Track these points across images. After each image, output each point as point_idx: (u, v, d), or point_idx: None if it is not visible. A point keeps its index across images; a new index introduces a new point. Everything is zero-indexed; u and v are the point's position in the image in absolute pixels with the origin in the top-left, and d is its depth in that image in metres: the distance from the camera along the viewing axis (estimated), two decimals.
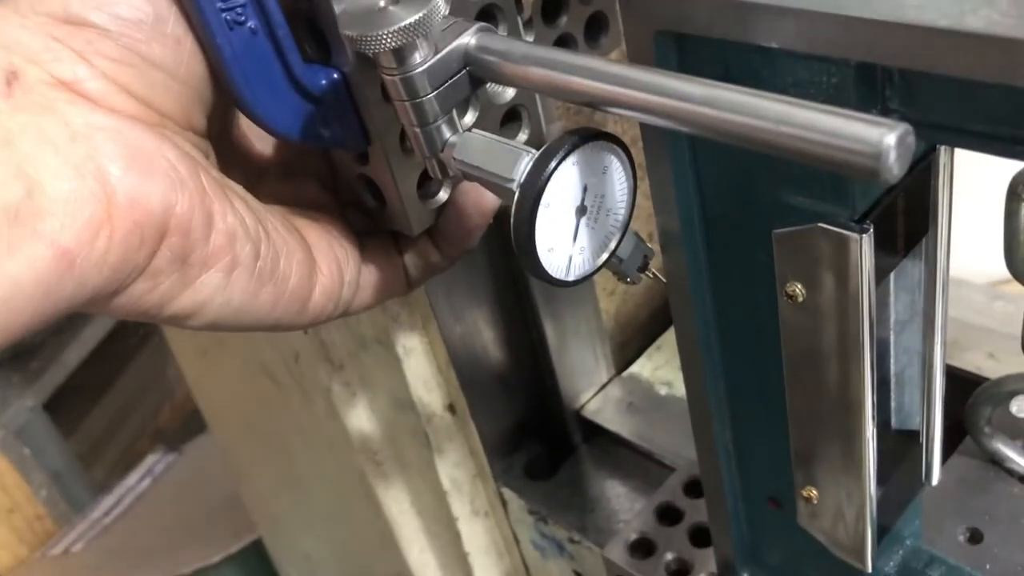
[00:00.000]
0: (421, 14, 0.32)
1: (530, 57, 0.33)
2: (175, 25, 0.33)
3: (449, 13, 0.34)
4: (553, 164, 0.33)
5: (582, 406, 0.64)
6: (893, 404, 0.39)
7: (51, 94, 0.30)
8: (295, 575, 1.03)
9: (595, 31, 0.45)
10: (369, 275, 0.41)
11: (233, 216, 0.34)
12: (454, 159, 0.36)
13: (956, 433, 0.53)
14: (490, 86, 0.40)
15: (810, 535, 0.42)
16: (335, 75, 0.36)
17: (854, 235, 0.30)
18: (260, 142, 0.40)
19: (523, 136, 0.42)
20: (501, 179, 0.35)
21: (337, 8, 0.34)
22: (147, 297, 0.32)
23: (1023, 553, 0.46)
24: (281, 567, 1.04)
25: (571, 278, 0.36)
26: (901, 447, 0.40)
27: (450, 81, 0.34)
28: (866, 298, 0.31)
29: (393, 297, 0.43)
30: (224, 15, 0.33)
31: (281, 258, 0.36)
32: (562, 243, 0.35)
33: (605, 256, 0.37)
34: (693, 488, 0.55)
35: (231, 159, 0.38)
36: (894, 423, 0.40)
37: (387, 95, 0.36)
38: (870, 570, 0.40)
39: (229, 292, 0.34)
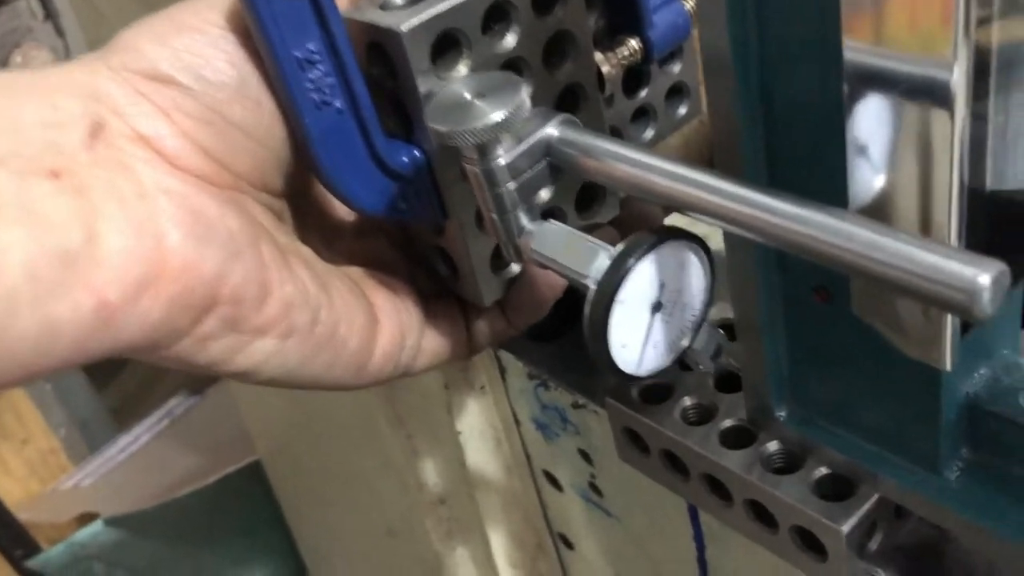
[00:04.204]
0: (507, 112, 0.32)
1: (612, 154, 0.32)
2: (257, 88, 0.33)
3: (532, 96, 0.34)
4: (630, 263, 0.32)
5: None
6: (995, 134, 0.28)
7: (130, 149, 0.31)
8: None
9: (675, 100, 0.46)
10: (432, 340, 0.41)
11: (293, 286, 0.34)
12: (531, 249, 0.35)
13: None
14: None
15: (866, 341, 0.32)
16: (416, 153, 0.36)
17: None
18: (337, 202, 0.40)
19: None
20: (577, 274, 0.34)
21: (422, 88, 0.34)
22: (197, 357, 0.33)
23: None
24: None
25: (642, 373, 0.36)
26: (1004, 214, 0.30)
27: (530, 171, 0.34)
28: None
29: (455, 362, 0.43)
30: (312, 95, 0.33)
31: (341, 324, 0.36)
32: (635, 339, 0.35)
33: (679, 351, 0.37)
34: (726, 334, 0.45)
35: (308, 218, 0.39)
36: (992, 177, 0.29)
37: (466, 176, 0.35)
38: (949, 367, 0.29)
39: (284, 356, 0.35)
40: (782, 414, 0.37)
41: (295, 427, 0.87)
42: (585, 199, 0.41)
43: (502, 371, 0.55)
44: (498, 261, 0.39)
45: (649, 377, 0.43)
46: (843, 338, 0.33)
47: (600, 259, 0.33)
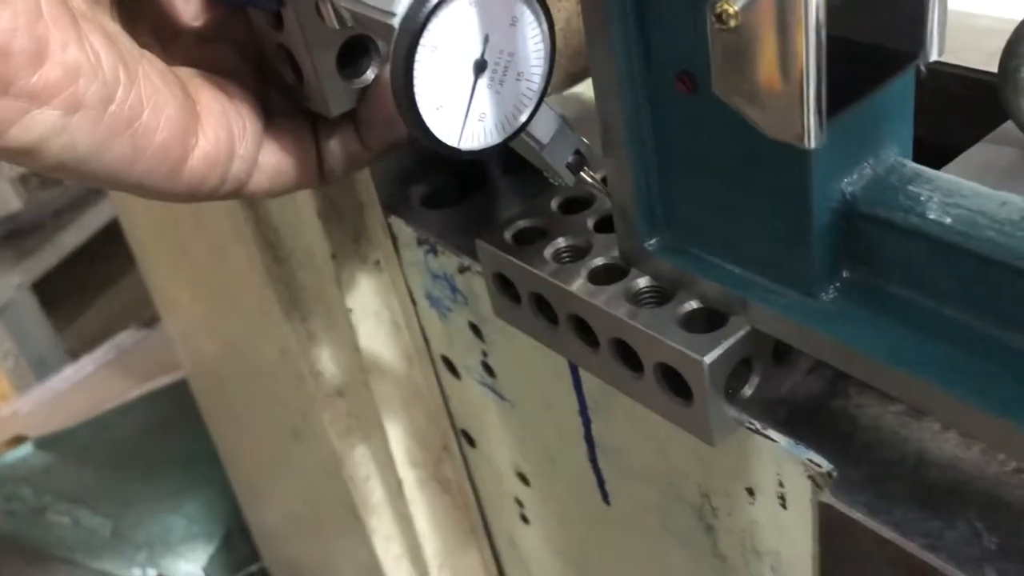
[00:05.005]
0: None
1: None
2: None
3: None
4: None
5: None
6: None
7: None
8: None
9: None
10: (272, 155, 0.37)
11: (79, 50, 0.30)
12: (343, 5, 0.31)
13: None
14: None
15: (732, 137, 0.28)
16: None
17: None
18: (178, 2, 0.37)
19: None
20: (381, 14, 0.30)
21: None
22: None
23: None
24: None
25: (464, 146, 0.31)
26: None
27: None
28: None
29: (303, 188, 0.39)
30: None
31: (146, 109, 0.32)
32: (454, 102, 0.30)
33: (512, 129, 0.32)
34: None
35: (141, 8, 0.36)
36: None
37: None
38: (812, 144, 0.25)
39: (70, 135, 0.31)
40: (653, 243, 0.33)
41: (212, 337, 0.83)
42: None
43: (394, 240, 0.50)
44: (348, 67, 0.35)
45: (519, 219, 0.39)
46: (709, 137, 0.29)
47: None
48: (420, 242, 0.48)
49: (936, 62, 0.48)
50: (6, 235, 1.97)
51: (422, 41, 0.27)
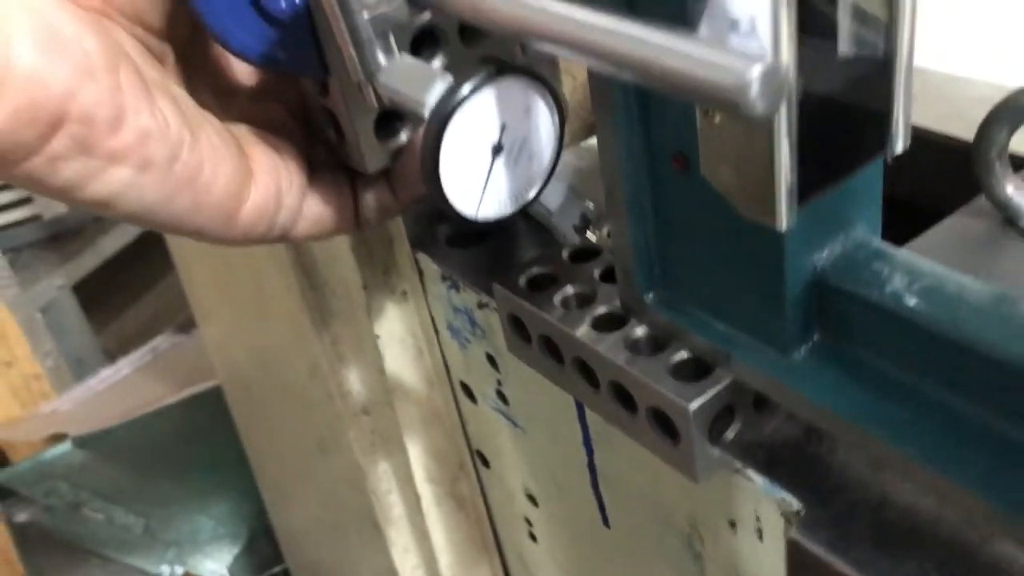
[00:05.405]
0: None
1: None
2: None
3: None
4: (465, 92, 0.33)
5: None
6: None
7: None
8: None
9: None
10: (315, 206, 0.41)
11: (151, 116, 0.34)
12: (380, 83, 0.35)
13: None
14: None
15: (718, 211, 0.31)
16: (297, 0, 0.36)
17: None
18: (235, 60, 0.40)
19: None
20: (416, 103, 0.34)
21: None
22: (50, 178, 0.33)
23: None
24: None
25: (480, 216, 0.36)
26: (849, 74, 0.30)
27: (387, 4, 0.34)
28: None
29: (341, 233, 0.44)
30: None
31: (205, 167, 0.36)
32: (473, 179, 0.35)
33: (523, 202, 0.37)
34: None
35: (201, 72, 0.39)
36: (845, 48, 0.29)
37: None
38: (783, 227, 0.29)
39: (140, 190, 0.35)
40: (650, 297, 0.37)
41: (246, 349, 0.87)
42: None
43: (420, 274, 0.55)
44: (384, 129, 0.39)
45: (533, 265, 0.43)
46: (699, 209, 0.33)
47: (437, 87, 0.32)
48: (444, 278, 0.52)
49: (924, 130, 0.52)
50: (51, 238, 2.04)
51: (447, 129, 0.31)
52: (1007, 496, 0.27)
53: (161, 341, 1.62)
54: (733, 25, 0.26)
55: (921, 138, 0.48)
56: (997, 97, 0.39)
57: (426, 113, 0.32)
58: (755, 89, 0.20)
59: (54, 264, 2.02)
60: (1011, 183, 0.38)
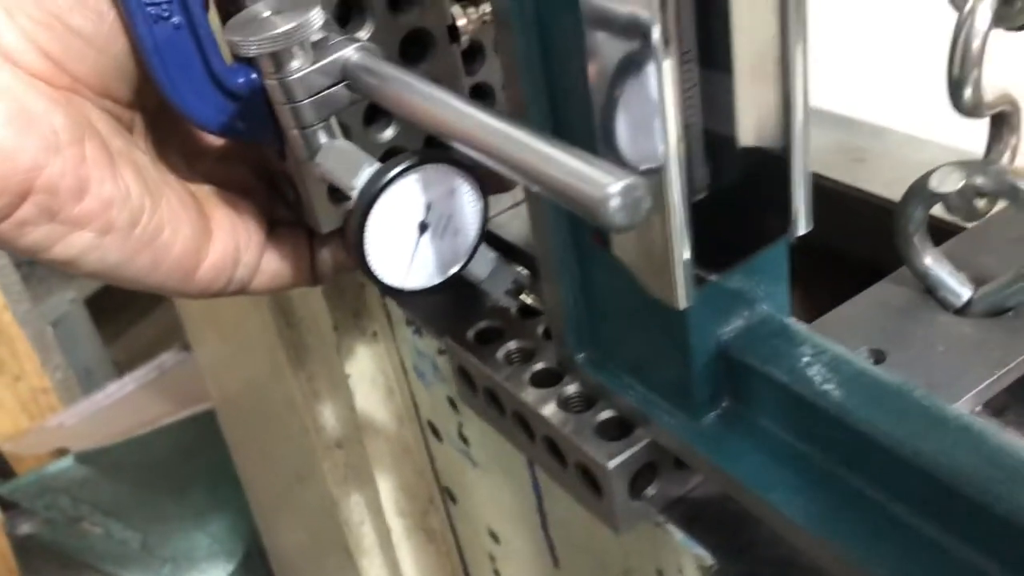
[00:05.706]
0: (292, 24, 0.35)
1: (398, 81, 0.35)
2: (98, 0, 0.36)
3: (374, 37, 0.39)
4: (389, 176, 0.36)
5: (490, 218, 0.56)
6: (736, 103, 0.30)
7: None
8: None
9: None
10: (272, 261, 0.44)
11: (113, 186, 0.37)
12: (316, 163, 0.38)
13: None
14: None
15: (632, 285, 0.34)
16: (253, 75, 0.38)
17: None
18: None
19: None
20: (346, 185, 0.37)
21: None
22: (18, 241, 0.35)
23: (923, 378, 0.37)
24: None
25: (407, 287, 0.39)
26: (748, 164, 0.32)
27: (327, 91, 0.37)
28: None
29: (298, 287, 0.46)
30: (149, 9, 0.36)
31: (165, 230, 0.39)
32: (400, 254, 0.38)
33: (449, 273, 0.40)
34: None
35: (170, 136, 0.42)
36: (744, 133, 0.31)
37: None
38: (682, 305, 0.31)
39: (103, 251, 0.37)
40: (581, 357, 0.39)
41: (234, 376, 0.90)
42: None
43: (388, 317, 0.57)
44: (337, 192, 0.42)
45: (484, 319, 0.45)
46: (617, 282, 0.35)
47: (365, 172, 0.35)
48: (408, 322, 0.55)
49: (871, 194, 0.53)
50: None
51: (373, 209, 0.34)
52: (884, 566, 0.29)
53: (167, 358, 1.65)
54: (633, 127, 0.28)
55: (869, 202, 0.51)
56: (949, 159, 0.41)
57: (354, 195, 0.35)
58: (614, 204, 0.22)
59: (66, 277, 2.07)
60: (929, 255, 0.40)
